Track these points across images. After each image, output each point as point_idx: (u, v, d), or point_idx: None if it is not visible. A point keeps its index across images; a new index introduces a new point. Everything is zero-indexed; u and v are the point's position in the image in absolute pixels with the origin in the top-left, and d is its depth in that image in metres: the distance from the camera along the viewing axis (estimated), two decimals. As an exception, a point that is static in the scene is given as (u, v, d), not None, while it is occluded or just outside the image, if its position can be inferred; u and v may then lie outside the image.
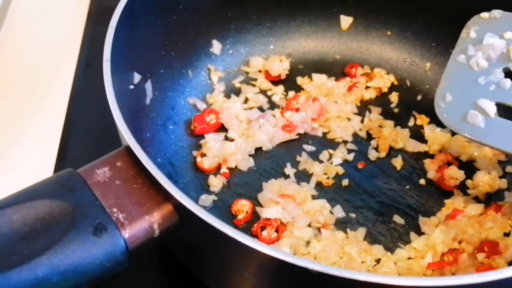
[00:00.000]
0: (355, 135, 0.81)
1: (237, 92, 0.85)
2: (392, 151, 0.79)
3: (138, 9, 0.67)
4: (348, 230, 0.71)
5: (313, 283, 0.45)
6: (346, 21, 0.90)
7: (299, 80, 0.86)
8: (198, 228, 0.47)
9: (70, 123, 0.84)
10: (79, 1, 1.01)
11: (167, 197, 0.48)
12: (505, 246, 0.66)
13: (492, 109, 0.56)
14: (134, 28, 0.67)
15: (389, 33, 0.89)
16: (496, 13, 0.65)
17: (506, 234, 0.68)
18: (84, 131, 0.83)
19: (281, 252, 0.44)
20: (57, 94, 0.87)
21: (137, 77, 0.70)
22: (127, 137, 0.51)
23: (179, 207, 0.47)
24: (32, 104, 0.85)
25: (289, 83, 0.87)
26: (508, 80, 0.58)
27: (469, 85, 0.58)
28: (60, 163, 0.78)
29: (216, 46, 0.85)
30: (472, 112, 0.56)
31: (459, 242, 0.68)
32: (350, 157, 0.78)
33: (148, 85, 0.74)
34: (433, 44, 0.87)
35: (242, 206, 0.71)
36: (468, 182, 0.75)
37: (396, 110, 0.84)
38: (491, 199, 0.74)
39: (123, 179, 0.49)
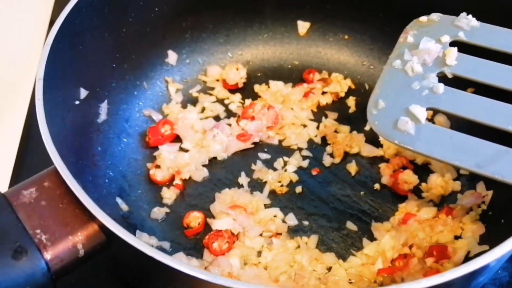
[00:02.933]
0: (310, 141, 0.80)
1: (195, 101, 0.85)
2: (348, 156, 0.79)
3: (80, 25, 0.67)
4: (300, 238, 0.71)
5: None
6: (303, 26, 0.90)
7: (256, 87, 0.86)
8: (125, 247, 0.47)
9: (28, 137, 0.83)
10: (41, 11, 0.99)
11: (91, 217, 0.48)
12: (453, 249, 0.66)
13: (423, 115, 0.56)
14: (77, 43, 0.67)
15: (346, 37, 0.89)
16: (435, 16, 0.64)
17: (458, 237, 0.68)
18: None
19: (190, 268, 0.43)
20: (16, 108, 0.86)
21: (83, 92, 0.70)
22: (53, 157, 0.51)
23: (103, 227, 0.47)
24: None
25: (247, 91, 0.87)
26: (441, 85, 0.57)
27: (403, 91, 0.58)
28: (16, 178, 0.78)
29: (172, 57, 0.85)
30: (402, 118, 0.55)
31: (410, 247, 0.68)
32: (305, 164, 0.78)
33: (99, 99, 0.74)
34: (391, 48, 0.86)
35: (194, 218, 0.71)
36: (423, 185, 0.74)
37: (353, 114, 0.84)
38: (446, 202, 0.74)
39: (50, 200, 0.49)
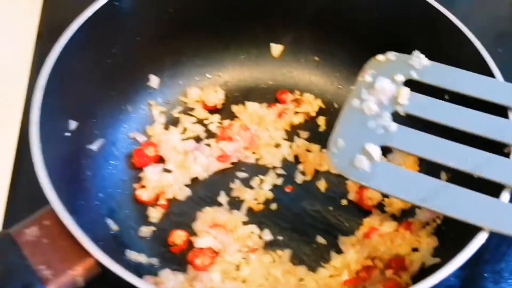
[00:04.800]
0: (284, 160, 0.87)
1: (176, 122, 0.91)
2: (318, 174, 0.86)
3: (69, 63, 0.72)
4: (275, 252, 0.78)
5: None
6: (276, 48, 0.96)
7: (234, 108, 0.93)
8: (118, 278, 0.54)
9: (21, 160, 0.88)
10: (27, 21, 1.00)
11: (88, 252, 0.54)
12: (410, 261, 0.74)
13: (377, 153, 0.62)
14: (67, 81, 0.72)
15: (317, 58, 0.96)
16: (391, 55, 0.71)
17: (415, 249, 0.76)
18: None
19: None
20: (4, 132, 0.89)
21: (73, 124, 0.75)
22: (51, 199, 0.57)
23: (99, 262, 0.54)
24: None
25: (225, 111, 0.93)
26: (394, 124, 0.64)
27: (360, 129, 0.64)
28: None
29: (154, 81, 0.91)
30: (358, 156, 0.62)
31: (373, 259, 0.76)
32: (279, 181, 0.85)
33: (88, 127, 0.79)
34: (357, 69, 0.92)
35: (178, 237, 0.78)
36: (385, 200, 0.82)
37: (323, 133, 0.91)
38: (406, 215, 0.82)
39: (50, 237, 0.55)
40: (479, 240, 0.58)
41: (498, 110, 0.65)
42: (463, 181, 0.64)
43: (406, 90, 0.66)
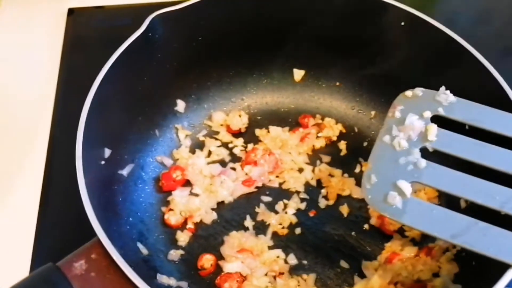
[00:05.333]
0: (307, 184, 0.90)
1: (201, 145, 0.94)
2: (340, 198, 0.89)
3: (106, 93, 0.75)
4: (300, 276, 0.80)
5: None
6: (298, 73, 0.99)
7: (257, 131, 0.95)
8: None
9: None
10: (50, 61, 1.04)
11: (134, 285, 0.57)
12: (432, 287, 0.77)
13: (408, 190, 0.65)
14: (103, 110, 0.75)
15: (338, 84, 0.98)
16: (418, 91, 0.74)
17: (436, 274, 0.79)
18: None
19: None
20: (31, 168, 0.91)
21: (107, 152, 0.78)
22: (98, 232, 0.59)
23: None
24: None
25: (249, 134, 0.96)
26: (423, 160, 0.67)
27: (391, 165, 0.67)
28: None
29: (180, 105, 0.93)
30: (391, 193, 0.65)
31: (395, 284, 0.79)
32: (303, 206, 0.88)
33: (120, 154, 0.82)
34: (377, 94, 0.97)
35: (207, 261, 0.81)
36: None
37: (344, 157, 0.93)
38: (426, 239, 0.84)
39: (98, 271, 0.58)
40: (508, 276, 0.61)
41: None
42: (486, 211, 0.67)
43: (434, 127, 0.69)
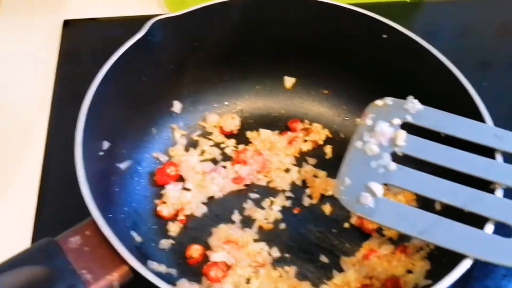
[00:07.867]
0: (292, 183, 0.96)
1: (195, 144, 1.00)
2: (324, 198, 0.94)
3: (105, 92, 0.81)
4: (282, 268, 0.86)
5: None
6: (289, 81, 1.05)
7: (248, 134, 1.01)
8: (148, 283, 0.63)
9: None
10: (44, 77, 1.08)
11: (123, 260, 0.63)
12: (404, 282, 0.82)
13: (379, 190, 0.70)
14: (102, 108, 0.81)
15: (326, 92, 1.04)
16: (388, 100, 0.79)
17: (409, 271, 0.84)
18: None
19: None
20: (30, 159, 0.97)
21: (106, 144, 0.84)
22: (93, 212, 0.65)
23: (132, 268, 0.62)
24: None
25: (240, 136, 1.01)
26: (393, 163, 0.72)
27: (363, 169, 0.71)
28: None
29: (177, 106, 1.00)
30: (364, 194, 0.69)
31: (370, 278, 0.84)
32: (288, 203, 0.93)
33: (118, 147, 0.88)
34: (362, 103, 1.01)
35: (195, 251, 0.86)
36: (384, 225, 0.90)
37: (329, 160, 0.99)
38: (403, 239, 0.90)
39: (91, 246, 0.63)
40: (464, 266, 0.66)
41: (485, 151, 0.74)
42: (455, 210, 0.72)
43: (403, 133, 0.75)
